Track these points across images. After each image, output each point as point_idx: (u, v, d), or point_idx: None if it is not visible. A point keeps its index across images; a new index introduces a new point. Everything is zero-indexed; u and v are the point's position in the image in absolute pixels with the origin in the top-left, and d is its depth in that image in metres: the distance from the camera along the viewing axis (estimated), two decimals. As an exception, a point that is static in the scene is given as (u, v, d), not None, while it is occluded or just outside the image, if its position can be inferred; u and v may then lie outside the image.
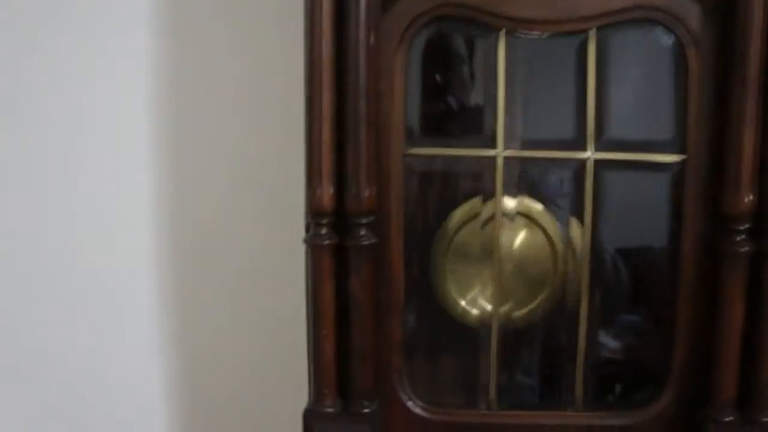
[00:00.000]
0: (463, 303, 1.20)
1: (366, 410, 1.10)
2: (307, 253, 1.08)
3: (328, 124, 1.05)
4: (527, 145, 1.13)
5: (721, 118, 1.04)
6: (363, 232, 1.07)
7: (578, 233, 1.14)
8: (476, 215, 1.16)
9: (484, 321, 1.16)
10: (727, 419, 1.06)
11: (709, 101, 1.06)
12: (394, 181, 1.11)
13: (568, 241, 1.17)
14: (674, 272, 1.10)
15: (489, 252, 1.13)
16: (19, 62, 1.41)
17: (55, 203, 1.46)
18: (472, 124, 1.15)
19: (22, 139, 1.44)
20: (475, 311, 1.19)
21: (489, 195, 1.13)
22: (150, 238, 1.47)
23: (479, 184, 1.14)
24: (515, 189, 1.15)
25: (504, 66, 1.10)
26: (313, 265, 1.08)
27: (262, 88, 1.43)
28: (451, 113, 1.18)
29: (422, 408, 1.14)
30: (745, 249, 1.03)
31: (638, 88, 1.13)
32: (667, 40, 1.09)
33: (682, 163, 1.09)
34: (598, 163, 1.10)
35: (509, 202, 1.15)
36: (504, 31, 1.09)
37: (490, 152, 1.11)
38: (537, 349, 1.23)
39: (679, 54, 1.07)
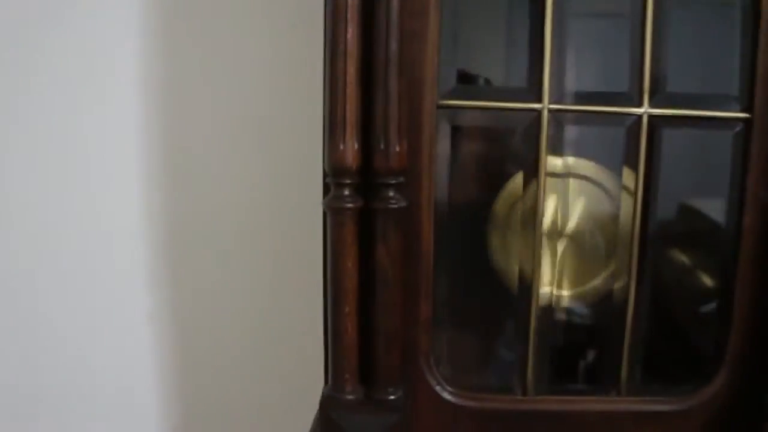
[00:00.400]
0: (505, 278, 1.05)
1: (391, 397, 0.96)
2: (326, 218, 0.94)
3: (353, 63, 0.90)
4: (576, 98, 0.99)
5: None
6: (392, 193, 0.93)
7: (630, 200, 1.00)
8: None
9: (524, 297, 1.02)
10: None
11: (781, 53, 0.94)
12: (425, 137, 0.96)
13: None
14: (734, 244, 0.99)
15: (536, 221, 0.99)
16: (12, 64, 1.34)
17: (52, 195, 1.39)
18: (514, 73, 1.00)
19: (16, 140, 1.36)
20: (516, 286, 1.05)
21: (532, 155, 0.99)
22: (145, 235, 1.40)
23: (522, 142, 1.00)
24: (563, 147, 1.01)
25: (551, 6, 0.96)
26: (334, 232, 0.93)
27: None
28: (490, 60, 1.04)
29: (452, 393, 1.01)
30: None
31: (700, 36, 1.00)
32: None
33: (747, 121, 0.97)
34: (654, 119, 0.98)
35: (556, 161, 1.02)
36: (553, -33, 0.95)
37: (535, 105, 0.97)
38: (580, 329, 1.10)
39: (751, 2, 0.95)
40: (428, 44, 0.95)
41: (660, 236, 1.02)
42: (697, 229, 1.08)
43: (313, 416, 0.98)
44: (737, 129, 0.98)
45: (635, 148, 0.98)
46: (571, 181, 1.04)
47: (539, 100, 0.97)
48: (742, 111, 0.98)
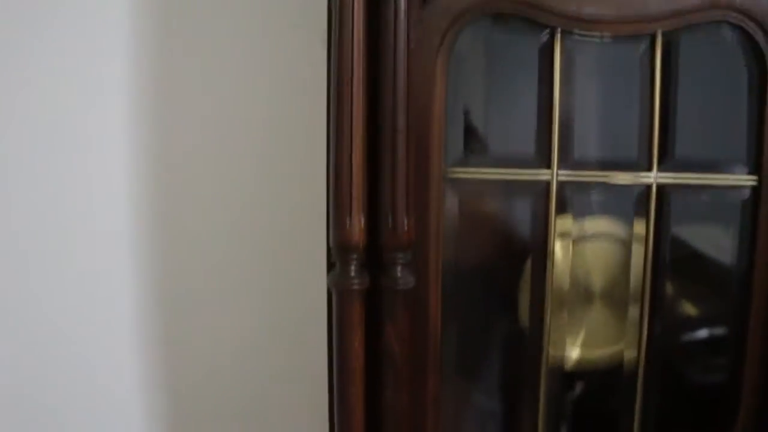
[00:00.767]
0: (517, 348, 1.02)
1: (400, 477, 0.93)
2: (332, 298, 0.90)
3: (359, 139, 0.86)
4: (585, 165, 0.97)
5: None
6: (399, 272, 0.89)
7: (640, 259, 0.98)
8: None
9: (536, 367, 0.99)
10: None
11: (789, 118, 0.93)
12: (432, 209, 0.93)
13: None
14: (745, 302, 0.97)
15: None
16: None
17: (47, 196, 1.32)
18: (522, 141, 0.97)
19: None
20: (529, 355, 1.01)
21: (541, 221, 0.96)
22: (134, 237, 1.34)
23: (531, 208, 0.97)
24: (574, 209, 0.98)
25: (559, 73, 0.93)
26: (341, 312, 0.89)
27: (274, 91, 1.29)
28: (498, 128, 1.00)
29: (461, 471, 0.98)
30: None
31: (708, 100, 0.98)
32: (744, 47, 0.94)
33: (756, 185, 0.96)
34: (663, 186, 0.96)
35: (568, 223, 0.99)
36: (560, 30, 0.93)
37: (543, 174, 0.95)
38: (592, 388, 1.07)
39: (757, 63, 0.94)
40: (434, 116, 0.92)
41: (671, 295, 1.00)
42: (708, 289, 1.06)
43: (307, 419, 0.95)
44: (746, 194, 0.96)
45: (645, 212, 0.96)
46: (586, 241, 1.01)
47: (547, 166, 0.94)
48: (750, 175, 0.96)
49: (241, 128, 1.30)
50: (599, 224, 1.00)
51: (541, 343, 0.97)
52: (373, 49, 0.87)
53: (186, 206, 1.32)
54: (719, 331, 1.04)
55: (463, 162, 0.96)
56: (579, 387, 1.04)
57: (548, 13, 0.91)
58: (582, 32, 0.94)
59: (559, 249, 0.97)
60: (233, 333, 1.36)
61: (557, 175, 0.95)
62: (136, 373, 1.37)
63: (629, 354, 1.00)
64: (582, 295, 1.01)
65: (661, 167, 0.96)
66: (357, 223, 0.87)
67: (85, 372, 1.36)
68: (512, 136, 0.99)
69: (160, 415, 1.38)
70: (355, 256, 0.88)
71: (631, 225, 0.99)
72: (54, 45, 1.27)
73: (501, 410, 1.06)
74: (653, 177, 0.96)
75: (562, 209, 0.96)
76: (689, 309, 1.05)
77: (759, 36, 0.93)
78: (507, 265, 1.01)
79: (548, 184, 0.94)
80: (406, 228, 0.88)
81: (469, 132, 0.97)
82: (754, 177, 0.96)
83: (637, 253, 0.98)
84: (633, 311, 0.99)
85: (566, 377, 1.02)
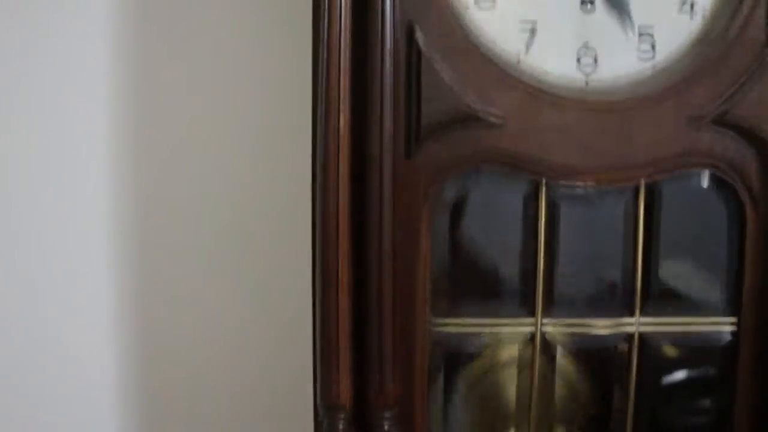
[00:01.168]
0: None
1: None
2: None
3: (344, 294, 0.86)
4: (568, 312, 0.97)
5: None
6: (387, 428, 0.89)
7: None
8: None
9: None
10: None
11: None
12: (418, 362, 0.92)
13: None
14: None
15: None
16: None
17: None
18: (507, 290, 0.98)
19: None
20: None
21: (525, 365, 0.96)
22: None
23: (515, 356, 0.97)
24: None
25: (544, 222, 0.94)
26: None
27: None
28: (483, 278, 1.00)
29: None
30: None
31: (689, 246, 1.00)
32: (724, 192, 0.96)
33: (735, 329, 0.97)
34: (645, 333, 0.97)
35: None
36: (544, 181, 0.93)
37: (526, 325, 0.95)
38: None
39: (737, 209, 0.95)
40: (419, 268, 0.91)
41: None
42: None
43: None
44: (726, 338, 0.98)
45: (627, 361, 0.97)
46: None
47: (531, 314, 0.95)
48: (730, 317, 0.97)
49: (228, 130, 1.28)
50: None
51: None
52: (359, 205, 0.87)
53: (170, 207, 1.31)
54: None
55: (448, 312, 0.95)
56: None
57: (532, 165, 0.92)
58: (565, 183, 0.95)
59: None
60: (217, 336, 1.33)
61: (541, 324, 0.95)
62: (115, 375, 1.35)
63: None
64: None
65: (644, 312, 0.97)
66: (345, 383, 0.87)
67: (64, 374, 1.34)
68: (496, 284, 0.99)
69: (139, 417, 1.36)
70: (342, 415, 0.88)
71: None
72: (37, 43, 1.26)
73: None
74: (635, 326, 0.96)
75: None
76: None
77: (737, 183, 0.94)
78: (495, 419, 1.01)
79: (533, 333, 0.95)
80: (392, 386, 0.88)
81: (453, 281, 0.97)
82: (734, 318, 0.97)
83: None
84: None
85: None
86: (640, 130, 0.92)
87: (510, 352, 0.98)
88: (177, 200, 1.32)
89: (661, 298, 0.98)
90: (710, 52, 0.92)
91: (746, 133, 0.93)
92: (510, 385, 0.99)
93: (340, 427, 0.88)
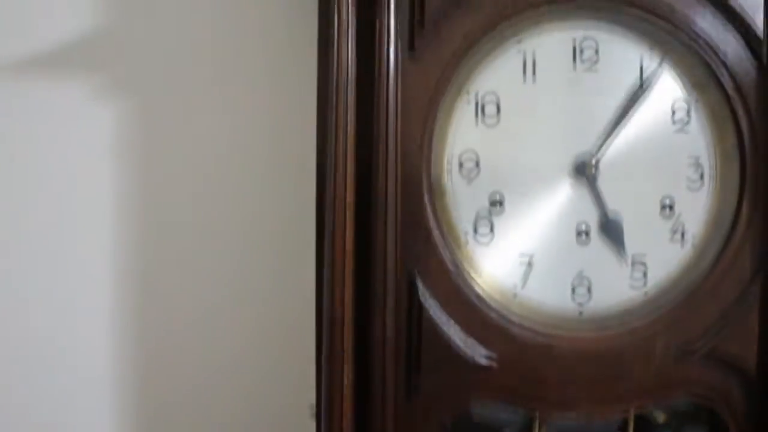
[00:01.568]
0: None
1: None
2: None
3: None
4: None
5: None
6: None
7: None
8: None
9: None
10: None
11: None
12: None
13: None
14: None
15: None
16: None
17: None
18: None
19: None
20: None
21: None
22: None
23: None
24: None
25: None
26: None
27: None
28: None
29: None
30: None
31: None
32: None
33: None
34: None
35: None
36: (538, 415, 0.93)
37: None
38: None
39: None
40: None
41: None
42: None
43: None
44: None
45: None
46: None
47: None
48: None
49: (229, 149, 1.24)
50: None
51: None
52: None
53: (172, 221, 1.25)
54: None
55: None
56: None
57: (526, 401, 0.91)
58: (558, 414, 0.94)
59: None
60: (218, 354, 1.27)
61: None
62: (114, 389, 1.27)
63: None
64: None
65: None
66: None
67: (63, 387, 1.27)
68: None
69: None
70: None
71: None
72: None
73: None
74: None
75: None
76: None
77: (724, 410, 0.96)
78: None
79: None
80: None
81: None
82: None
83: None
84: None
85: None
86: (631, 364, 0.92)
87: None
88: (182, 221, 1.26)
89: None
90: (699, 282, 0.93)
91: (732, 366, 0.94)
92: None
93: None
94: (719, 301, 0.93)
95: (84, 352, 1.26)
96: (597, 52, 0.93)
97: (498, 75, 0.91)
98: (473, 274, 0.91)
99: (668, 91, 0.94)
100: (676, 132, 0.94)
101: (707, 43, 0.91)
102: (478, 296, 0.89)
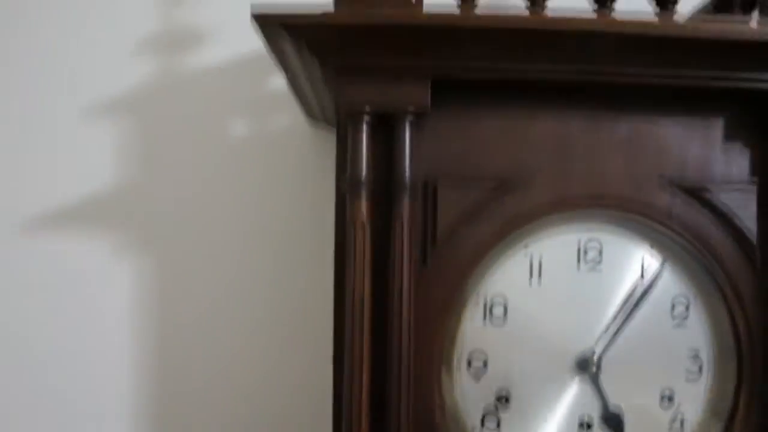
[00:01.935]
0: None
1: None
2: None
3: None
4: None
5: None
6: None
7: None
8: None
9: None
10: None
11: None
12: None
13: None
14: None
15: None
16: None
17: None
18: None
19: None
20: None
21: None
22: None
23: None
24: None
25: None
26: None
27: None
28: None
29: None
30: None
31: None
32: None
33: None
34: None
35: None
36: None
37: None
38: None
39: None
40: None
41: None
42: None
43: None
44: None
45: None
46: None
47: None
48: None
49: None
50: None
51: None
52: None
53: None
54: None
55: None
56: None
57: None
58: None
59: None
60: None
61: None
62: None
63: None
64: None
65: None
66: None
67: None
68: None
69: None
70: None
71: None
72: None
73: None
74: None
75: None
76: None
77: None
78: None
79: None
80: None
81: None
82: None
83: None
84: None
85: None
86: None
87: None
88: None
89: None
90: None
91: None
92: None
93: None
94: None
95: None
96: (601, 253, 0.97)
97: (505, 278, 0.95)
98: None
99: (668, 287, 0.98)
100: (675, 327, 0.98)
101: (704, 246, 0.96)
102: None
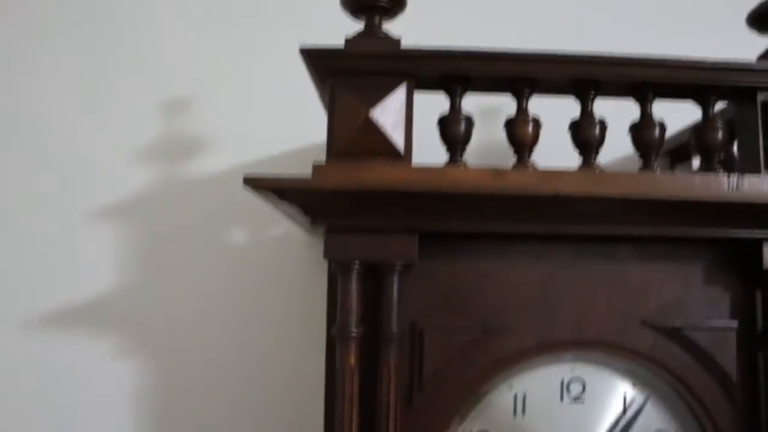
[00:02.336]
0: None
1: None
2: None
3: None
4: None
5: None
6: None
7: None
8: None
9: None
10: None
11: None
12: None
13: None
14: None
15: None
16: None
17: None
18: None
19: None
20: None
21: None
22: None
23: None
24: None
25: None
26: None
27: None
28: None
29: None
30: None
31: None
32: None
33: None
34: None
35: None
36: None
37: None
38: None
39: None
40: None
41: None
42: None
43: None
44: None
45: None
46: None
47: None
48: None
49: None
50: None
51: None
52: None
53: None
54: None
55: None
56: None
57: None
58: None
59: None
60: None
61: None
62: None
63: None
64: None
65: None
66: None
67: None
68: None
69: None
70: None
71: None
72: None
73: None
74: None
75: None
76: None
77: None
78: None
79: None
80: None
81: None
82: None
83: None
84: None
85: None
86: None
87: None
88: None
89: None
90: None
91: None
92: None
93: None
94: None
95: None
96: (584, 388, 1.00)
97: (490, 414, 0.98)
98: None
99: (650, 421, 1.00)
100: (657, 457, 1.01)
101: (686, 385, 0.98)
102: None
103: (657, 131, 0.95)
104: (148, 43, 1.34)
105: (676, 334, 0.97)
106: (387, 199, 0.85)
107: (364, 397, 0.91)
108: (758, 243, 0.94)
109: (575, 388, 0.99)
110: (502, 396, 0.98)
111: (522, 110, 0.93)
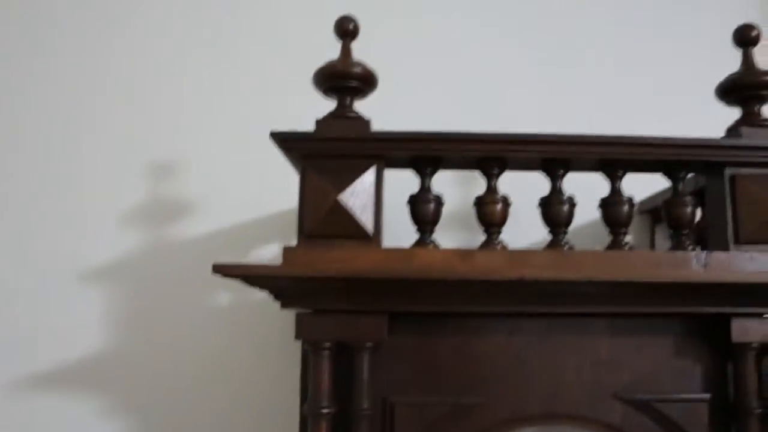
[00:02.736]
0: None
1: None
2: None
3: None
4: None
5: None
6: None
7: None
8: None
9: None
10: None
11: None
12: None
13: None
14: None
15: None
16: None
17: None
18: None
19: None
20: None
21: None
22: None
23: None
24: None
25: None
26: None
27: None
28: None
29: None
30: None
31: None
32: None
33: None
34: None
35: None
36: None
37: None
38: None
39: None
40: None
41: None
42: None
43: None
44: None
45: None
46: None
47: None
48: None
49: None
50: None
51: None
52: None
53: None
54: None
55: None
56: None
57: None
58: None
59: None
60: None
61: None
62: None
63: None
64: None
65: None
66: None
67: None
68: None
69: None
70: None
71: None
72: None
73: None
74: None
75: None
76: None
77: None
78: None
79: None
80: None
81: None
82: None
83: None
84: None
85: None
86: None
87: None
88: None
89: None
90: None
91: None
92: None
93: None
94: None
95: None
96: (556, 455, 1.01)
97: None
98: None
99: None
100: None
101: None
102: None
103: (626, 207, 0.96)
104: (134, 110, 1.36)
105: (646, 407, 0.98)
106: (355, 285, 0.86)
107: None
108: (727, 318, 0.95)
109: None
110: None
111: (491, 189, 0.94)
